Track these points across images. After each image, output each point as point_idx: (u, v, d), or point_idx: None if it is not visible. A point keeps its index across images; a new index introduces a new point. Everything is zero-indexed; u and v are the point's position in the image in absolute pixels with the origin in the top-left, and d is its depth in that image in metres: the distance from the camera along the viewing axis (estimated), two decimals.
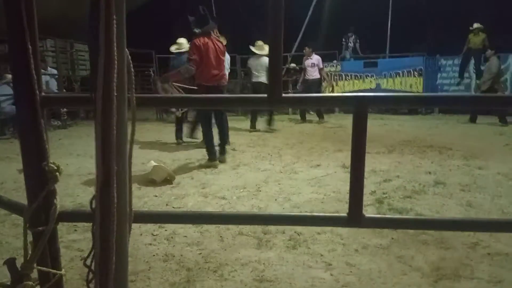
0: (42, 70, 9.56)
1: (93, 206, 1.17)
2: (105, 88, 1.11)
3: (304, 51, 9.48)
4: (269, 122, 8.23)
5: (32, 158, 1.28)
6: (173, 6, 14.84)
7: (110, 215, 1.16)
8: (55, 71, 10.04)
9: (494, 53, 9.00)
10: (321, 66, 9.25)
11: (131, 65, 1.21)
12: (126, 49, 1.18)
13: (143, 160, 4.86)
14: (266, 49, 8.19)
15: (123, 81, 1.16)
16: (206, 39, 4.67)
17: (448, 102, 1.33)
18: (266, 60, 8.19)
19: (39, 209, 1.30)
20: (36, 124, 1.25)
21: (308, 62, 9.21)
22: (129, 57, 1.21)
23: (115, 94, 1.12)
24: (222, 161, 4.92)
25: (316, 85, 9.24)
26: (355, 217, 1.30)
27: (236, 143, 6.47)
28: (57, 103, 1.42)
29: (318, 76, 9.26)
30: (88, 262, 1.20)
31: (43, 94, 1.26)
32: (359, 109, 1.23)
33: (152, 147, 6.27)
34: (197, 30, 4.71)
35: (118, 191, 1.18)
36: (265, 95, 1.26)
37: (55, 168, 1.32)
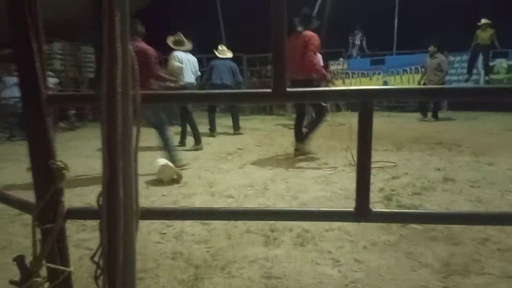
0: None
1: (100, 203, 1.18)
2: (109, 85, 1.11)
3: None
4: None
5: (39, 156, 1.29)
6: (174, 7, 14.89)
7: (117, 211, 1.17)
8: (52, 74, 10.19)
9: (437, 51, 8.84)
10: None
11: (135, 62, 1.22)
12: (130, 46, 1.18)
13: (150, 160, 4.88)
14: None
15: (127, 78, 1.16)
16: (295, 37, 5.03)
17: (455, 94, 1.32)
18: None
19: (47, 206, 1.30)
20: (42, 122, 1.26)
21: None
22: (133, 53, 1.21)
23: (119, 91, 1.13)
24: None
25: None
26: (362, 212, 1.29)
27: (243, 143, 6.48)
28: (62, 101, 1.43)
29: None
30: (97, 259, 1.21)
31: (49, 92, 1.27)
32: (365, 102, 1.23)
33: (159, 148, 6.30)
34: (300, 29, 5.05)
35: (124, 187, 1.19)
36: (270, 90, 1.26)
37: (62, 166, 1.33)
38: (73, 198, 3.53)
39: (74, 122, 9.42)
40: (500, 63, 10.12)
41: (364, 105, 1.25)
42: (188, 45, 6.47)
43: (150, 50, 4.52)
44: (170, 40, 6.37)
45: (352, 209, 1.27)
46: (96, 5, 1.08)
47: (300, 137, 5.32)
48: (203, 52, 12.05)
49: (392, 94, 1.34)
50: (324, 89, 1.26)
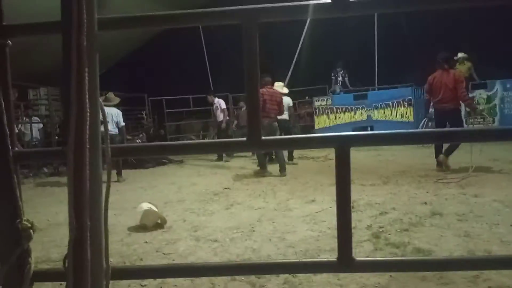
0: (26, 119, 9.54)
1: (66, 265, 1.11)
2: (77, 141, 1.08)
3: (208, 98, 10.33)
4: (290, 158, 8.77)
5: (4, 216, 1.23)
6: (165, 51, 15.20)
7: (84, 273, 1.10)
8: (37, 119, 10.23)
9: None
10: (223, 107, 9.99)
11: (106, 116, 1.19)
12: (100, 100, 1.16)
13: (134, 204, 4.77)
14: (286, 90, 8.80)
15: (96, 133, 1.13)
16: (443, 73, 6.31)
17: (437, 138, 1.31)
18: (287, 99, 8.76)
19: (13, 269, 1.23)
20: (9, 181, 1.21)
21: (213, 107, 10.19)
22: (104, 107, 1.19)
23: (88, 147, 1.09)
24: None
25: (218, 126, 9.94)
26: (345, 261, 1.24)
27: (230, 182, 6.42)
28: (30, 158, 1.38)
29: (222, 117, 9.95)
30: None
31: (16, 149, 1.23)
32: (341, 149, 1.20)
33: (145, 190, 6.19)
34: (446, 67, 6.35)
35: (93, 247, 1.12)
36: (245, 139, 1.24)
37: (29, 225, 1.26)
38: (52, 249, 3.39)
39: (58, 166, 9.24)
40: (480, 94, 10.38)
41: (341, 151, 1.23)
42: (114, 100, 7.88)
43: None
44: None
45: (334, 259, 1.22)
46: (65, 59, 1.06)
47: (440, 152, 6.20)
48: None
49: (369, 140, 1.33)
50: (299, 137, 1.25)
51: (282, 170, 6.89)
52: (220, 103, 10.04)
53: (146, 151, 1.38)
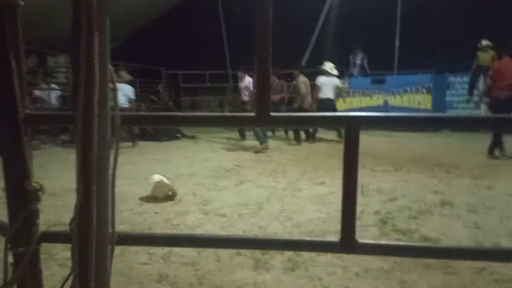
0: (45, 86, 9.91)
1: (73, 227, 1.13)
2: (86, 106, 1.08)
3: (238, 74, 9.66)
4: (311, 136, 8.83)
5: (14, 177, 1.25)
6: (182, 23, 15.05)
7: (89, 237, 1.12)
8: (56, 86, 10.14)
9: (300, 73, 9.14)
10: (251, 88, 9.12)
11: (115, 82, 1.19)
12: (110, 66, 1.15)
13: (146, 175, 4.82)
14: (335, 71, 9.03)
15: (105, 99, 1.13)
16: (507, 60, 6.42)
17: (452, 123, 1.27)
18: (335, 80, 8.95)
19: (21, 229, 1.26)
20: (18, 142, 1.22)
21: (241, 85, 9.34)
22: (113, 73, 1.19)
23: (96, 112, 1.09)
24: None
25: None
26: (347, 243, 1.24)
27: (241, 160, 6.44)
28: (40, 121, 1.40)
29: (247, 98, 9.28)
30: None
31: (27, 111, 1.23)
32: (351, 129, 1.18)
33: (158, 162, 6.26)
34: None
35: (99, 212, 1.14)
36: (253, 114, 1.22)
37: (38, 187, 1.28)
38: (65, 214, 3.46)
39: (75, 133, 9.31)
40: None
41: (350, 131, 1.20)
42: (126, 77, 8.58)
43: None
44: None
45: (336, 240, 1.22)
46: (75, 25, 1.05)
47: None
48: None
49: (378, 121, 1.30)
50: (308, 115, 1.22)
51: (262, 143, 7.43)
52: (251, 83, 9.13)
53: (154, 121, 1.38)
